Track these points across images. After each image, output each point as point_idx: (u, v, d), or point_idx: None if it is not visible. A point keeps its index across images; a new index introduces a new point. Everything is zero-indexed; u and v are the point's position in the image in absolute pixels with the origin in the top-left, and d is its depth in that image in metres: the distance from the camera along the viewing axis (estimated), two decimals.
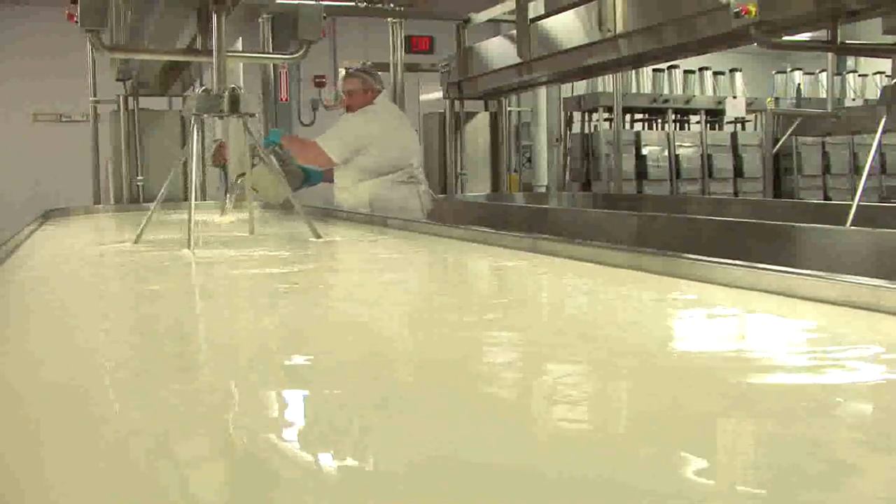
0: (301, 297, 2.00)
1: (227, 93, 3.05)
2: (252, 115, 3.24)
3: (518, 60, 6.10)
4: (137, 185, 6.09)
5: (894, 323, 1.41)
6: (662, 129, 10.50)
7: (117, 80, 6.20)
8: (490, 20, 7.38)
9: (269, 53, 6.59)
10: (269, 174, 3.96)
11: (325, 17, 3.47)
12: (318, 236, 3.12)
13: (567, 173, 9.59)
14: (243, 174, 3.86)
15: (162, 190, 3.24)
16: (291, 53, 3.62)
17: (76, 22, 3.05)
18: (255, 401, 1.06)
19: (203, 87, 3.21)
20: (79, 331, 1.60)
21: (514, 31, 6.19)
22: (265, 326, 1.62)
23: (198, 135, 3.15)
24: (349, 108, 4.99)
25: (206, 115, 3.11)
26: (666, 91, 10.36)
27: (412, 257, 2.81)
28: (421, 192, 5.00)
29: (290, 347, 1.41)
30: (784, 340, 1.42)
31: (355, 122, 4.86)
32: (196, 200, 3.64)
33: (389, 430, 0.92)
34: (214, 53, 3.11)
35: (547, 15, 6.07)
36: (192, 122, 3.12)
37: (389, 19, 7.89)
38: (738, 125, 11.13)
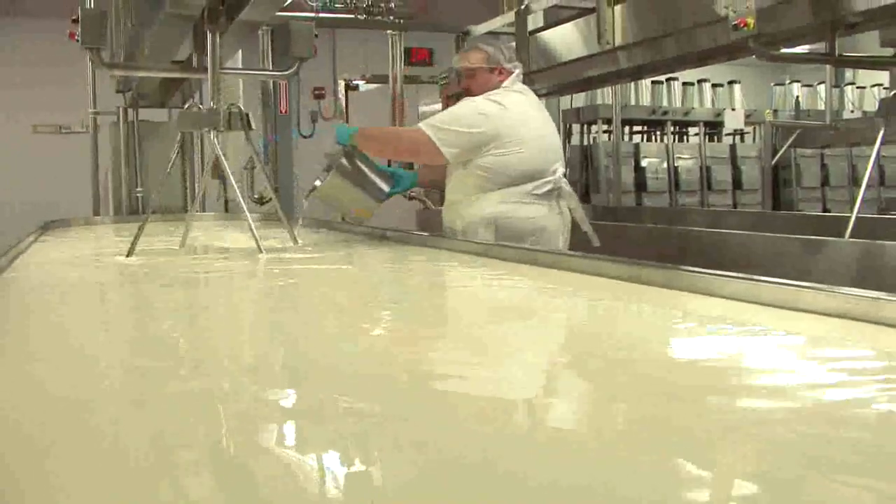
0: None
1: (223, 110, 3.14)
2: (251, 130, 3.30)
3: None
4: (137, 197, 6.09)
5: (893, 334, 1.41)
6: (661, 140, 10.51)
7: (117, 91, 6.22)
8: (489, 32, 7.39)
9: (262, 70, 6.64)
10: (347, 184, 3.40)
11: (315, 35, 3.65)
12: (295, 241, 3.22)
13: None
14: (313, 188, 3.42)
15: (197, 195, 3.26)
16: (284, 70, 3.84)
17: (77, 40, 3.16)
18: None
19: (192, 103, 3.35)
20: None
21: (514, 44, 6.20)
22: None
23: (179, 147, 3.32)
24: (468, 92, 3.68)
25: (197, 131, 3.21)
26: (665, 103, 10.37)
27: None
28: (564, 210, 3.58)
29: None
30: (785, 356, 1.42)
31: (478, 110, 3.49)
32: (197, 211, 3.63)
33: None
34: (209, 70, 3.19)
35: (546, 27, 6.09)
36: (180, 136, 3.43)
37: (389, 31, 7.91)
38: (737, 137, 11.14)
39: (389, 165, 4.17)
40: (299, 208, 10.06)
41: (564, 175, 3.60)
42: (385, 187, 3.51)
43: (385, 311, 2.00)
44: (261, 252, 2.98)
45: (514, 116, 3.47)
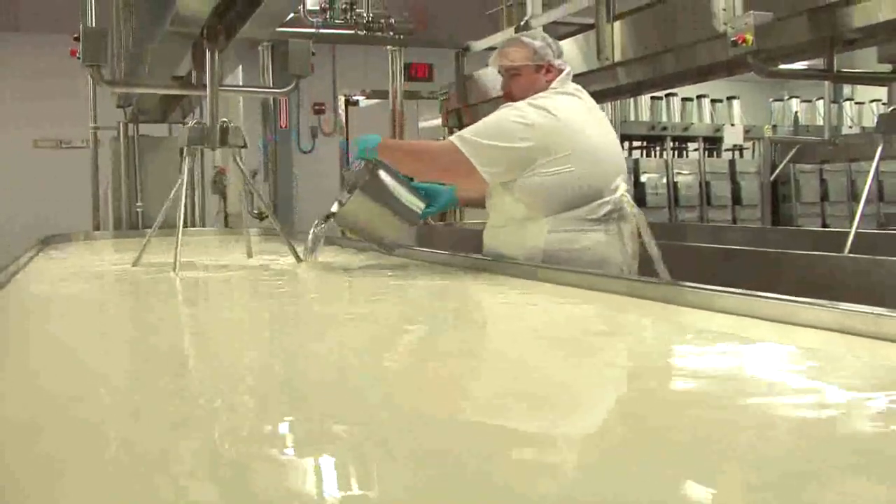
0: None
1: (218, 125, 3.18)
2: (243, 147, 3.36)
3: None
4: (137, 212, 6.10)
5: (893, 349, 1.41)
6: (661, 156, 10.53)
7: (118, 106, 6.24)
8: (489, 48, 7.41)
9: (260, 87, 6.68)
10: (373, 205, 2.84)
11: (313, 53, 3.63)
12: (299, 259, 3.20)
13: None
14: (332, 214, 2.93)
15: (160, 215, 3.27)
16: (283, 87, 3.80)
17: (78, 58, 3.22)
18: None
19: (196, 120, 3.37)
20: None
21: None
22: None
23: (189, 164, 3.32)
24: (509, 96, 3.03)
25: (197, 147, 3.27)
26: (664, 118, 10.40)
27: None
28: (626, 234, 2.89)
29: None
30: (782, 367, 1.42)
31: (522, 119, 2.83)
32: (196, 227, 3.63)
33: None
34: (208, 87, 3.22)
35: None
36: (185, 152, 3.29)
37: (389, 47, 7.94)
38: (736, 152, 11.16)
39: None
40: (300, 224, 10.05)
41: (628, 192, 2.93)
42: (418, 207, 2.90)
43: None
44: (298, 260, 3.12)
45: (566, 126, 2.82)
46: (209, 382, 1.35)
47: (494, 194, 3.00)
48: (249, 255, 3.44)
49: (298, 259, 3.20)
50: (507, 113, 2.88)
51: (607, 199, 2.83)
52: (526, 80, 2.98)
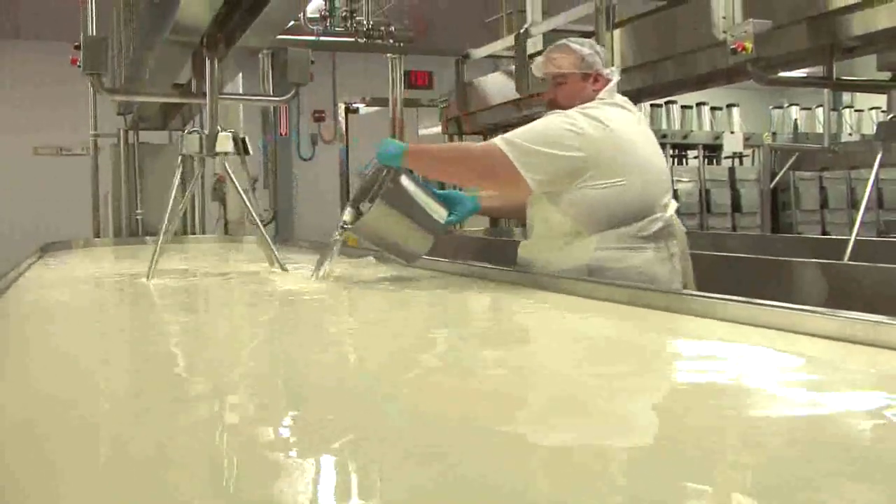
0: None
1: (214, 134, 3.20)
2: (247, 154, 3.36)
3: (517, 96, 6.14)
4: (137, 219, 6.10)
5: (893, 357, 1.41)
6: None
7: (118, 114, 6.25)
8: (489, 56, 7.43)
9: (260, 96, 6.69)
10: (395, 215, 2.68)
11: (312, 62, 3.64)
12: (284, 269, 3.17)
13: None
14: (348, 224, 2.74)
15: (165, 224, 3.26)
16: (282, 95, 3.83)
17: (79, 66, 3.23)
18: None
19: (193, 128, 3.39)
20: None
21: (513, 67, 6.23)
22: None
23: (199, 171, 3.33)
24: (554, 105, 2.85)
25: (195, 155, 3.28)
26: (664, 126, 10.42)
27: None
28: (675, 253, 2.73)
29: None
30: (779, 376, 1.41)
31: (574, 127, 2.65)
32: (196, 234, 3.63)
33: None
34: (208, 96, 3.24)
35: (545, 51, 6.11)
36: (180, 160, 3.34)
37: (389, 55, 7.95)
38: (736, 160, 11.18)
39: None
40: (300, 231, 10.02)
41: (678, 210, 2.82)
42: (441, 217, 2.75)
43: None
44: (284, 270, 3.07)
45: (618, 137, 2.65)
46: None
47: (536, 205, 2.80)
48: (271, 264, 3.37)
49: (284, 269, 3.18)
50: (557, 119, 2.68)
51: (658, 215, 2.68)
52: (572, 88, 2.81)
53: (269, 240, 3.42)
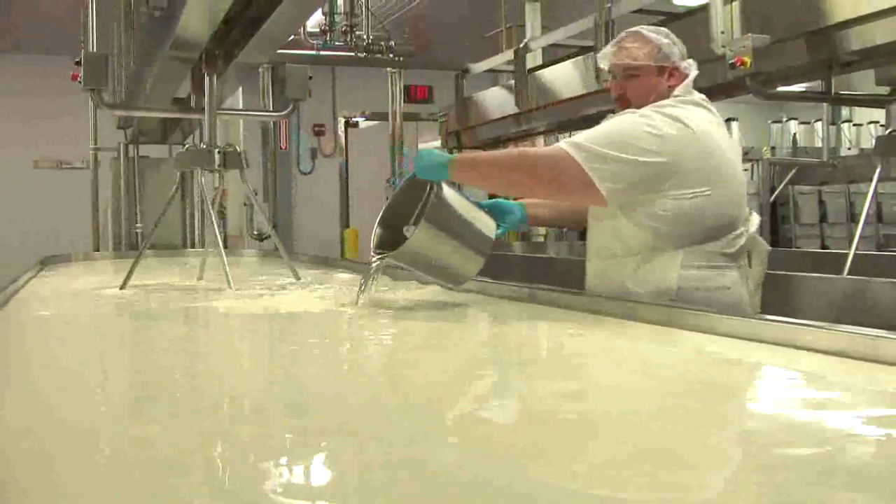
0: None
1: (216, 149, 3.23)
2: (247, 167, 3.39)
3: (516, 110, 6.16)
4: (136, 232, 6.11)
5: (892, 372, 1.40)
6: None
7: (118, 127, 6.27)
8: (488, 70, 7.46)
9: (258, 111, 6.74)
10: (442, 236, 2.31)
11: (310, 77, 3.67)
12: (298, 278, 3.19)
13: None
14: (383, 252, 2.37)
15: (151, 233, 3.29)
16: (280, 110, 3.88)
17: (79, 82, 3.27)
18: None
19: (190, 144, 3.45)
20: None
21: (513, 81, 6.25)
22: None
23: (204, 181, 3.35)
24: (623, 102, 2.52)
25: (192, 169, 3.33)
26: None
27: None
28: (754, 274, 2.46)
29: None
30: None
31: (652, 129, 2.31)
32: (195, 248, 3.63)
33: None
34: (206, 111, 3.26)
35: (545, 65, 6.14)
36: (177, 175, 3.40)
37: (389, 69, 7.97)
38: None
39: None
40: (299, 245, 10.04)
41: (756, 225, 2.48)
42: (491, 231, 2.41)
43: None
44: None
45: (702, 141, 2.32)
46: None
47: (605, 218, 2.45)
48: (298, 276, 3.31)
49: (297, 277, 3.22)
50: (633, 120, 2.35)
51: (741, 230, 2.39)
52: (645, 83, 2.46)
53: (284, 251, 3.48)
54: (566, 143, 2.30)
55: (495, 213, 2.50)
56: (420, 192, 2.33)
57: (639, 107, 2.40)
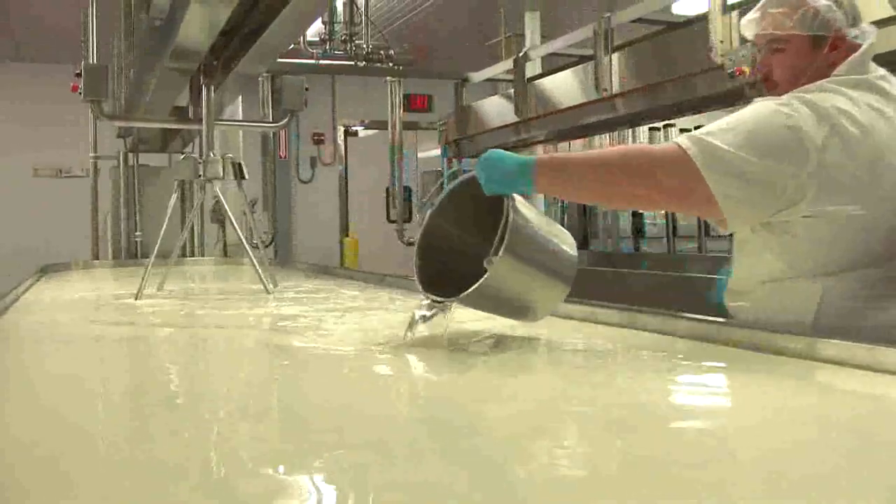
0: None
1: (208, 160, 3.24)
2: (244, 178, 3.40)
3: (515, 119, 6.16)
4: (136, 241, 6.11)
5: (890, 381, 1.40)
6: None
7: (118, 136, 6.27)
8: (488, 79, 7.47)
9: (255, 122, 6.77)
10: (522, 267, 1.76)
11: (306, 88, 3.73)
12: (267, 291, 3.14)
13: None
14: (437, 300, 1.77)
15: (158, 246, 3.27)
16: (278, 120, 3.95)
17: (79, 93, 3.31)
18: None
19: (188, 154, 3.50)
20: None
21: (512, 91, 6.26)
22: None
23: (205, 193, 3.37)
24: (768, 82, 1.94)
25: (188, 180, 3.35)
26: None
27: None
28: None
29: None
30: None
31: (794, 124, 1.71)
32: (196, 256, 3.62)
33: None
34: (204, 122, 3.28)
35: (544, 75, 6.16)
36: (175, 185, 3.34)
37: (388, 78, 7.99)
38: None
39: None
40: (298, 253, 10.01)
41: None
42: (572, 248, 1.87)
43: None
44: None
45: (865, 143, 1.73)
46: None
47: (738, 236, 1.95)
48: (269, 290, 3.23)
49: (267, 291, 3.13)
50: (769, 111, 1.76)
51: None
52: (795, 57, 1.88)
53: (258, 264, 3.33)
54: (685, 138, 1.75)
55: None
56: (462, 205, 1.89)
57: (785, 91, 1.84)
